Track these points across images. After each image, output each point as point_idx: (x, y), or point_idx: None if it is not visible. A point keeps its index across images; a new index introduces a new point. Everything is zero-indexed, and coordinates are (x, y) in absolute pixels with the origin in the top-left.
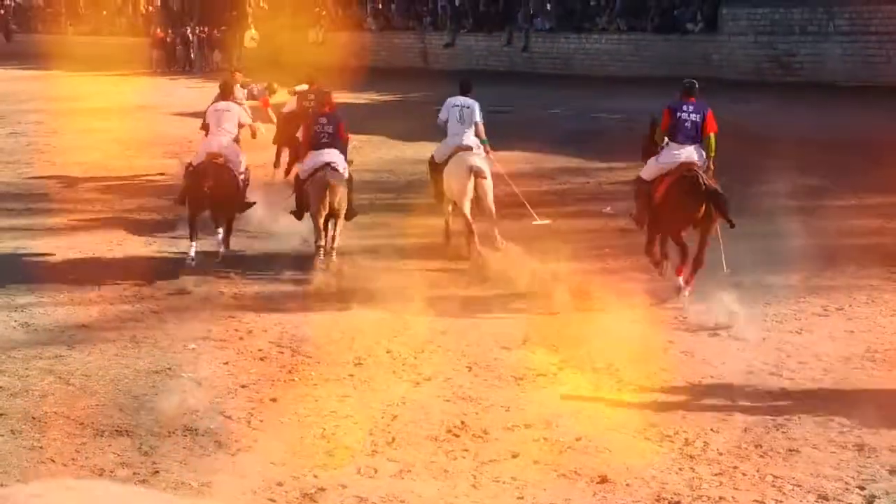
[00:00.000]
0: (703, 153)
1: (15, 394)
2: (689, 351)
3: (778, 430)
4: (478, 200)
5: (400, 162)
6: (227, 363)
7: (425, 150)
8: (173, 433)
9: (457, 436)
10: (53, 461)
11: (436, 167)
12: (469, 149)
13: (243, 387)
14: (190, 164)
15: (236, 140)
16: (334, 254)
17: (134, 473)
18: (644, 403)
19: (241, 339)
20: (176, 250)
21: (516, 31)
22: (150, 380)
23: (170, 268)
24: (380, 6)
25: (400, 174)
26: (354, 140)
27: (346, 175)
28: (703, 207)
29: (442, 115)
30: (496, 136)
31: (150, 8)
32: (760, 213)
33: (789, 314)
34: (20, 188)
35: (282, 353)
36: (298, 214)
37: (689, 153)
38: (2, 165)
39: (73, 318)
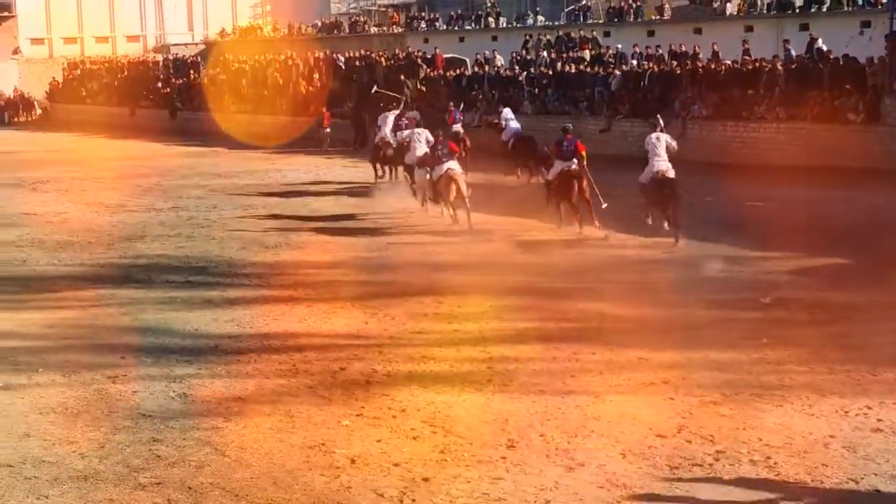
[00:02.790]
0: None
1: (172, 463)
2: (851, 446)
3: None
4: None
5: (551, 245)
6: (380, 441)
7: (577, 235)
8: None
9: None
10: None
11: None
12: None
13: (396, 465)
14: None
15: None
16: None
17: None
18: (803, 499)
19: (394, 417)
20: (330, 327)
21: (673, 118)
22: (304, 455)
23: (325, 343)
24: (536, 91)
25: (552, 257)
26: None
27: None
28: None
29: None
30: (648, 223)
31: (311, 88)
32: None
33: None
34: (180, 261)
35: (434, 432)
36: None
37: None
38: (163, 239)
39: (230, 390)
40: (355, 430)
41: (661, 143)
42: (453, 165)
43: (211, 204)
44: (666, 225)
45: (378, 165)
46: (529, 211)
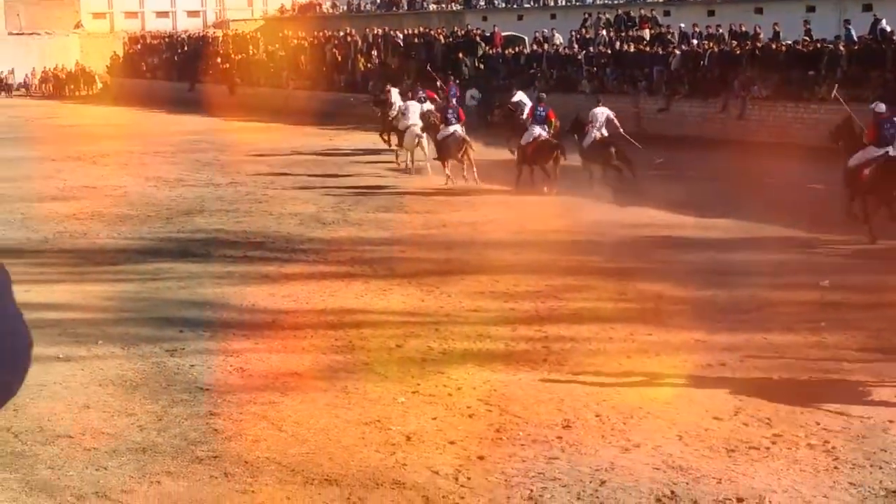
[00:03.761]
0: None
1: (229, 437)
2: None
3: None
4: None
5: (608, 224)
6: (435, 418)
7: (634, 213)
8: (381, 485)
9: None
10: None
11: None
12: None
13: (451, 443)
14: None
15: None
16: None
17: None
18: (862, 484)
19: (449, 395)
20: (386, 304)
21: (732, 99)
22: (360, 430)
23: (381, 320)
24: (595, 70)
25: (609, 237)
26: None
27: None
28: None
29: None
30: (708, 204)
31: (369, 66)
32: None
33: None
34: (238, 236)
35: (490, 411)
36: None
37: None
38: (221, 214)
39: (286, 365)
40: (411, 407)
41: (603, 116)
42: (459, 129)
43: (269, 180)
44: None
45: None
46: (585, 191)
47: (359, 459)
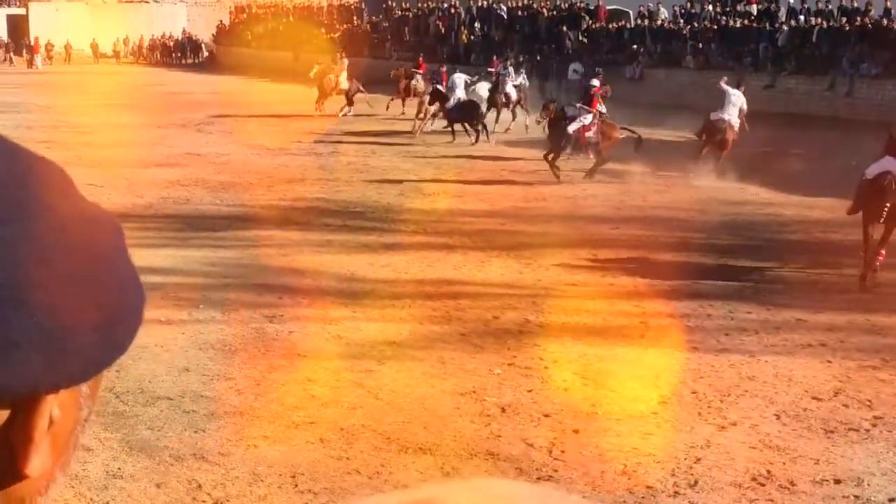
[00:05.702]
0: None
1: (326, 404)
2: None
3: None
4: None
5: (710, 201)
6: (531, 391)
7: (737, 190)
8: (476, 456)
9: (762, 485)
10: (359, 472)
11: None
12: None
13: (546, 416)
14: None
15: None
16: None
17: None
18: None
19: (545, 368)
20: (484, 276)
21: (840, 76)
22: (455, 401)
23: (478, 292)
24: (700, 45)
25: (710, 213)
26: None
27: None
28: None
29: None
30: (812, 183)
31: (472, 38)
32: None
33: None
34: (338, 205)
35: (586, 385)
36: None
37: None
38: (323, 182)
39: (383, 334)
40: (506, 378)
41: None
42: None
43: (370, 150)
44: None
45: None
46: (686, 167)
47: (453, 430)
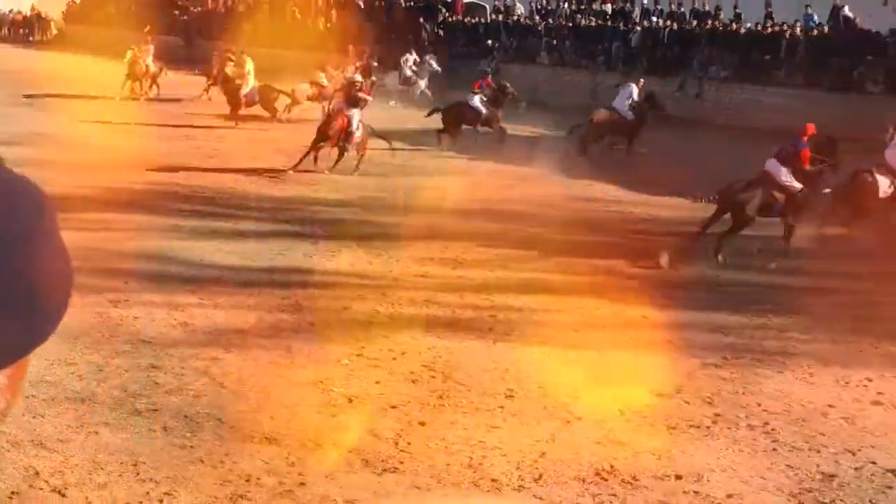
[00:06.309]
0: None
1: (170, 391)
2: (849, 417)
3: None
4: None
5: (560, 197)
6: (378, 382)
7: (586, 187)
8: (321, 446)
9: (605, 479)
10: (203, 461)
11: None
12: None
13: (393, 407)
14: None
15: None
16: None
17: (280, 483)
18: (799, 467)
19: (393, 359)
20: (335, 266)
21: (690, 78)
22: (302, 391)
23: (328, 281)
24: (554, 42)
25: (560, 209)
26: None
27: None
28: None
29: None
30: (660, 182)
31: (329, 25)
32: None
33: None
34: (190, 190)
35: (434, 377)
36: None
37: None
38: (174, 167)
39: (230, 322)
40: (354, 369)
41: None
42: None
43: (220, 134)
44: None
45: None
46: (537, 162)
47: (299, 419)
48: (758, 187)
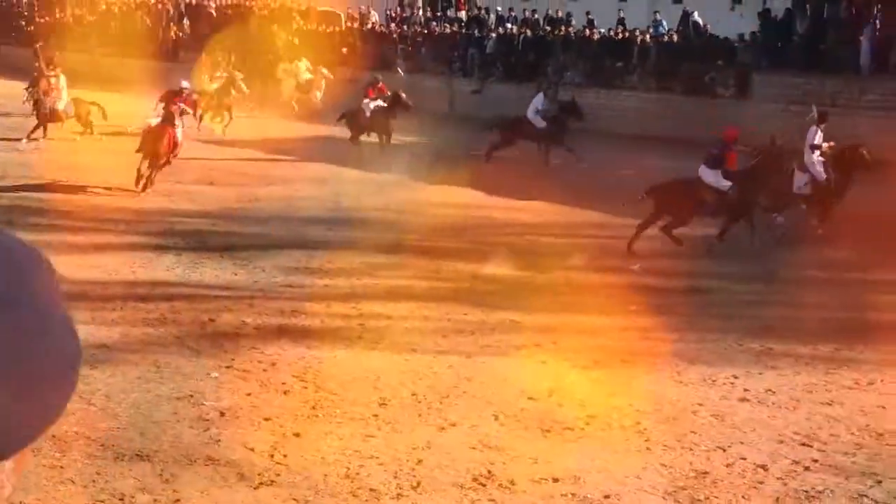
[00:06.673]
0: None
1: None
2: (718, 414)
3: (810, 502)
4: None
5: (423, 204)
6: (250, 394)
7: (448, 193)
8: (195, 462)
9: (483, 485)
10: (73, 482)
11: None
12: None
13: (266, 419)
14: None
15: None
16: None
17: (154, 500)
18: (673, 465)
19: (264, 371)
20: (199, 277)
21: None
22: (172, 406)
23: (193, 293)
24: (410, 49)
25: (423, 216)
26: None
27: None
28: None
29: None
30: (519, 187)
31: (181, 35)
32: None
33: (819, 385)
34: (45, 203)
35: (305, 388)
36: None
37: None
38: (26, 181)
39: (95, 337)
40: (225, 382)
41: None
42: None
43: (72, 146)
44: None
45: None
46: (396, 169)
47: (171, 435)
48: (690, 188)
